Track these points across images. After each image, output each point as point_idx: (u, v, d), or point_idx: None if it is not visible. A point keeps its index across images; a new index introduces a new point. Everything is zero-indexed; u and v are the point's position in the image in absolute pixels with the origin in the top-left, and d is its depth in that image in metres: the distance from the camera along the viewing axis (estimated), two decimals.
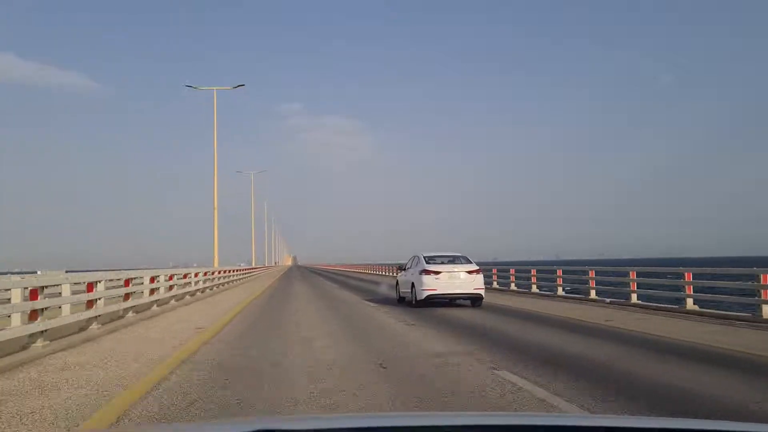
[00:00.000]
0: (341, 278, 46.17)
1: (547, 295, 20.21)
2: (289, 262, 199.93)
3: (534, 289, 21.60)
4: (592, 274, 17.66)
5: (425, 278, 16.11)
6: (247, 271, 45.52)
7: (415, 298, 16.34)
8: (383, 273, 54.82)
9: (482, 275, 16.55)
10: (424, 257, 16.95)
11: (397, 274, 19.90)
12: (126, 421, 5.13)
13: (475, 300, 16.50)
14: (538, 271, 21.95)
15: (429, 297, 16.03)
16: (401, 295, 18.53)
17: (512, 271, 23.92)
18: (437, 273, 16.11)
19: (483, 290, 16.36)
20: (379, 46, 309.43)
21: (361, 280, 40.95)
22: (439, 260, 16.99)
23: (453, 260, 17.07)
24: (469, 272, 16.25)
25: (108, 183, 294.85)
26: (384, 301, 19.34)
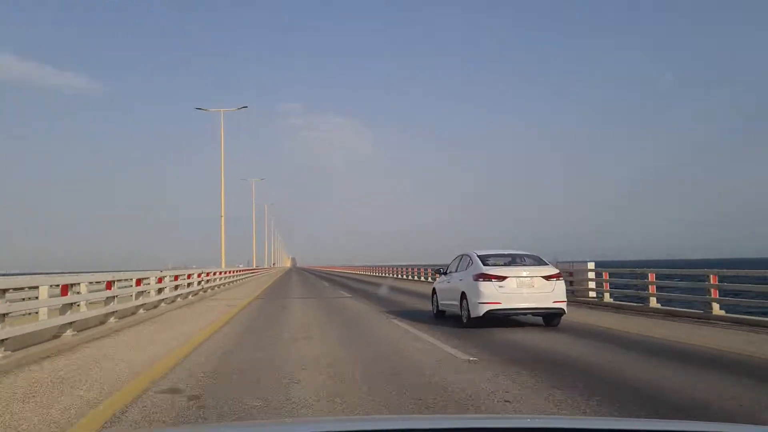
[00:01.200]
0: (352, 283, 41.47)
1: (632, 308, 15.29)
2: (288, 264, 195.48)
3: (607, 298, 16.68)
4: (714, 280, 12.76)
5: (484, 286, 11.30)
6: (207, 278, 25.79)
7: (468, 313, 11.53)
8: (387, 275, 50.30)
9: (564, 282, 11.73)
10: (479, 256, 12.15)
11: (435, 278, 15.08)
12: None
13: (553, 317, 11.71)
14: (611, 275, 17.00)
15: (490, 313, 11.23)
16: (440, 307, 13.74)
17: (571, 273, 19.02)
18: (501, 279, 11.30)
19: (565, 303, 11.56)
20: (380, 45, 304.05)
21: (369, 283, 36.01)
22: (499, 260, 12.22)
23: (515, 260, 12.31)
24: (547, 277, 11.44)
25: (102, 182, 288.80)
26: (419, 316, 14.54)
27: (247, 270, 47.52)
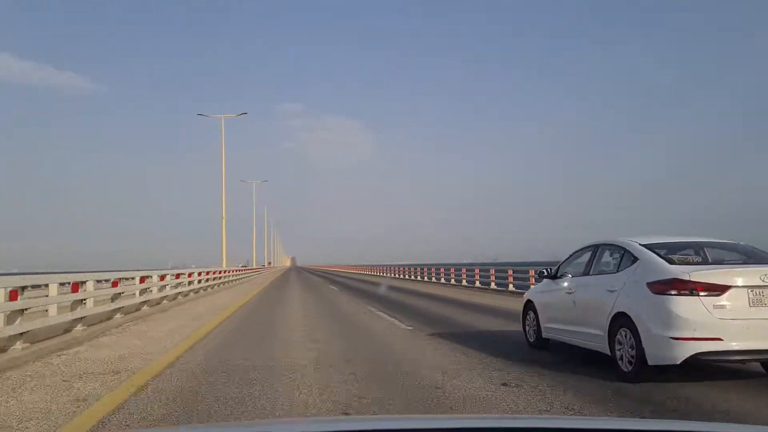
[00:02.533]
0: (363, 286, 35.85)
1: None
2: (288, 263, 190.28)
3: None
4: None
5: (680, 305, 5.70)
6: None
7: (641, 355, 5.88)
8: (393, 275, 44.68)
9: None
10: (646, 246, 6.55)
11: (536, 283, 9.45)
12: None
13: None
14: None
15: (700, 356, 5.62)
16: (546, 333, 8.18)
17: None
18: (719, 290, 5.67)
19: None
20: (381, 45, 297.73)
21: (380, 286, 30.24)
22: (686, 253, 6.69)
23: (709, 254, 6.70)
24: None
25: (100, 182, 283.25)
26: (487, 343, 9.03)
27: (223, 272, 32.62)
